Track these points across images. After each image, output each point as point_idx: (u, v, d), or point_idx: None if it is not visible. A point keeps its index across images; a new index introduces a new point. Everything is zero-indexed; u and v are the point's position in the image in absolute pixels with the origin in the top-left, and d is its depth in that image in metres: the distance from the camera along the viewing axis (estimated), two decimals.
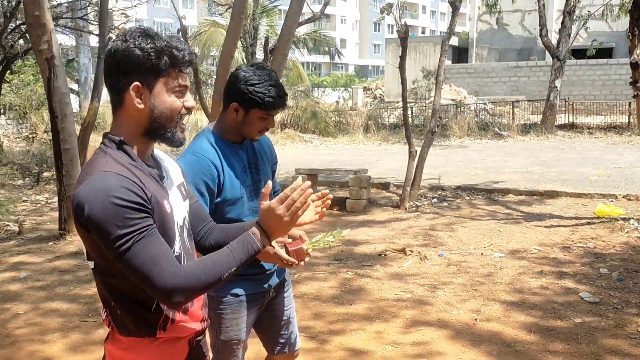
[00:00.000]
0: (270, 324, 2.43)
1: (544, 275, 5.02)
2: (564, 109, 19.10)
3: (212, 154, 2.13)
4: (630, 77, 6.32)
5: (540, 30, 17.14)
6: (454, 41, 30.60)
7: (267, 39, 7.57)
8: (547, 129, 17.31)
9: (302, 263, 1.99)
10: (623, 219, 6.66)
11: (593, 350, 3.56)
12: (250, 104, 2.10)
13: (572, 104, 19.22)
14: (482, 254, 5.72)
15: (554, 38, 18.56)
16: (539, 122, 18.23)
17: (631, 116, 16.90)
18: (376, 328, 3.96)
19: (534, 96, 22.67)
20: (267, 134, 2.34)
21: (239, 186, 2.19)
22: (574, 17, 17.36)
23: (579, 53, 22.87)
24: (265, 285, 2.31)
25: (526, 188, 8.74)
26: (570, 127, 18.20)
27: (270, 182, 1.59)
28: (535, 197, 8.37)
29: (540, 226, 6.70)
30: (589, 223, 6.74)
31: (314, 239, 2.01)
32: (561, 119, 18.83)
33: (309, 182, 1.50)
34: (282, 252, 1.96)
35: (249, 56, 10.16)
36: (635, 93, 6.29)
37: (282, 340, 2.44)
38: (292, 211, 1.48)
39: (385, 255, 5.77)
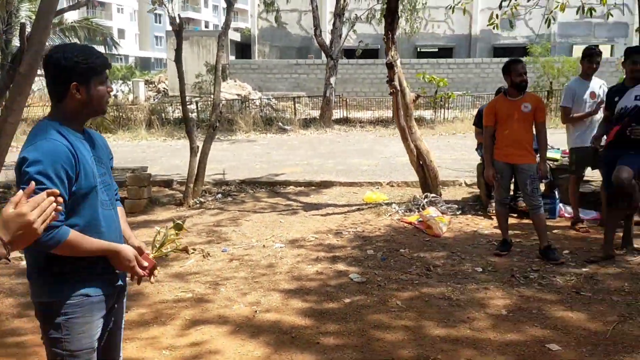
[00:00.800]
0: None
1: (319, 261, 5.33)
2: (339, 104, 20.61)
3: (65, 141, 2.00)
4: (387, 76, 7.01)
5: (315, 30, 18.21)
6: (237, 37, 31.00)
7: (23, 26, 6.75)
8: (325, 124, 18.49)
9: (152, 278, 2.20)
10: (387, 204, 7.40)
11: (360, 327, 3.87)
12: (87, 75, 2.06)
13: (346, 100, 20.83)
14: (264, 246, 5.87)
15: (327, 38, 19.85)
16: (318, 117, 19.38)
17: None
18: (152, 333, 3.80)
19: (314, 92, 24.08)
20: None
21: (92, 175, 2.07)
22: (344, 19, 18.79)
23: (350, 53, 24.89)
24: (114, 286, 2.19)
25: (305, 179, 9.23)
26: (345, 121, 19.69)
27: (32, 184, 1.49)
28: (313, 187, 8.88)
29: (317, 215, 7.12)
30: (359, 209, 7.35)
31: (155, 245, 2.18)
32: (337, 113, 20.28)
33: (57, 190, 1.48)
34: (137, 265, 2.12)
35: (3, 45, 8.99)
36: (391, 91, 7.01)
37: (107, 352, 2.27)
38: (42, 218, 1.39)
39: (166, 255, 5.55)
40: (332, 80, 18.64)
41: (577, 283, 4.59)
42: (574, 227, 6.19)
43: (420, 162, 7.40)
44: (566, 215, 6.62)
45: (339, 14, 18.01)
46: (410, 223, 6.54)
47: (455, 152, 12.27)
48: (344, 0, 17.68)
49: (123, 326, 2.37)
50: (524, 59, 23.81)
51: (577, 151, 6.04)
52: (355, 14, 19.21)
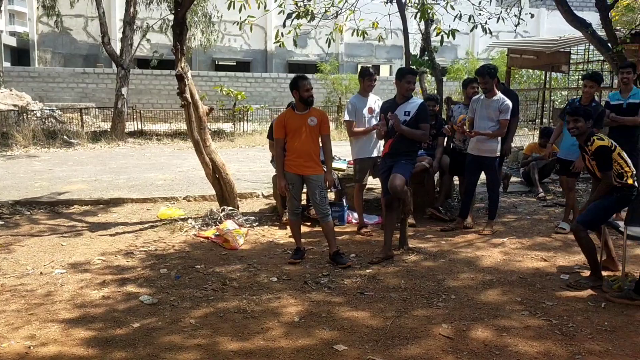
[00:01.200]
0: None
1: (106, 285, 4.94)
2: (133, 116, 19.63)
3: None
4: (178, 88, 6.83)
5: (102, 37, 17.13)
6: (13, 42, 27.83)
7: None
8: (118, 137, 17.46)
9: None
10: (182, 219, 7.19)
11: (150, 351, 3.65)
12: None
13: (140, 112, 19.93)
14: (41, 273, 5.27)
15: (118, 47, 18.83)
16: (109, 130, 18.21)
17: None
18: None
19: (105, 103, 22.60)
20: None
21: None
22: (135, 28, 17.97)
23: (146, 63, 23.91)
24: None
25: (92, 197, 8.53)
26: (140, 134, 18.82)
27: None
28: (101, 205, 8.25)
29: (105, 235, 6.62)
30: (152, 227, 7.01)
31: None
32: (132, 126, 19.30)
33: None
34: None
35: None
36: (183, 103, 6.84)
37: None
38: None
39: None
40: (124, 90, 17.69)
41: (361, 284, 4.93)
42: (360, 232, 6.67)
43: (217, 175, 7.34)
44: (353, 221, 7.11)
45: (129, 22, 17.18)
46: (207, 238, 6.43)
47: (254, 164, 12.47)
48: (134, 8, 16.93)
49: None
50: (315, 75, 25.30)
51: (360, 161, 6.54)
52: (147, 23, 18.52)
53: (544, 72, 15.88)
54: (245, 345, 3.75)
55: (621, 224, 4.87)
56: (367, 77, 6.50)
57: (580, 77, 14.58)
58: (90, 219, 7.48)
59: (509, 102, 6.34)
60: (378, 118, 6.22)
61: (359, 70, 6.44)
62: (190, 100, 6.80)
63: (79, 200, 8.36)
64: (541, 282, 4.90)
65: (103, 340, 3.82)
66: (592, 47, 11.83)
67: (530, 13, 8.75)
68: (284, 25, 6.85)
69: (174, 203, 8.39)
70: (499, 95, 6.39)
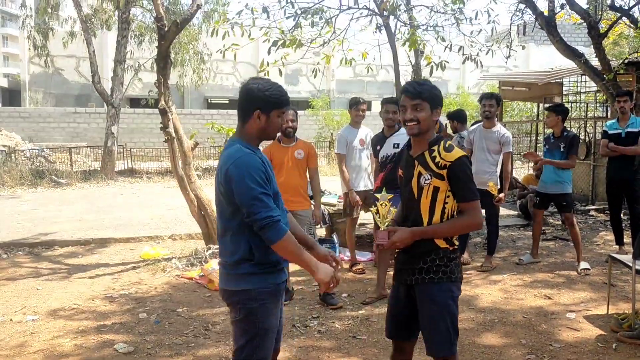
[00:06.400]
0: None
1: (81, 332, 4.59)
2: (124, 155, 19.40)
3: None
4: (161, 123, 6.61)
5: (93, 76, 17.04)
6: (4, 82, 27.82)
7: None
8: (108, 175, 17.20)
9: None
10: (166, 260, 6.86)
11: None
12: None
13: (130, 150, 19.72)
14: (11, 320, 4.91)
15: (110, 86, 18.72)
16: (99, 169, 17.95)
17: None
18: None
19: (96, 142, 22.40)
20: None
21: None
22: (127, 67, 17.90)
23: (138, 102, 23.83)
24: (284, 278, 2.63)
25: (74, 238, 8.19)
26: (131, 172, 18.58)
27: None
28: (83, 246, 7.91)
29: (84, 277, 6.27)
30: (134, 268, 6.68)
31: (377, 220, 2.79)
32: (122, 165, 19.06)
33: None
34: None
35: None
36: (166, 138, 6.60)
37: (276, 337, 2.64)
38: None
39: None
40: (114, 129, 17.50)
41: (354, 327, 4.60)
42: (352, 270, 6.36)
43: (202, 213, 7.06)
44: (345, 258, 6.80)
45: (119, 60, 17.12)
46: (190, 278, 6.10)
47: None
48: (125, 47, 16.90)
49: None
50: (306, 111, 25.28)
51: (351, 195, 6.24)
52: (139, 62, 18.47)
53: (535, 104, 15.82)
54: None
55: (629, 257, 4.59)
56: (354, 106, 6.27)
57: (572, 107, 14.52)
58: (71, 260, 7.13)
59: (509, 134, 6.14)
60: (369, 151, 6.02)
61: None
62: (174, 134, 6.57)
63: (61, 241, 8.02)
64: (546, 322, 4.59)
65: None
66: (583, 78, 11.77)
67: (521, 45, 8.66)
68: (268, 53, 6.69)
69: (159, 242, 8.07)
70: (498, 126, 6.19)
